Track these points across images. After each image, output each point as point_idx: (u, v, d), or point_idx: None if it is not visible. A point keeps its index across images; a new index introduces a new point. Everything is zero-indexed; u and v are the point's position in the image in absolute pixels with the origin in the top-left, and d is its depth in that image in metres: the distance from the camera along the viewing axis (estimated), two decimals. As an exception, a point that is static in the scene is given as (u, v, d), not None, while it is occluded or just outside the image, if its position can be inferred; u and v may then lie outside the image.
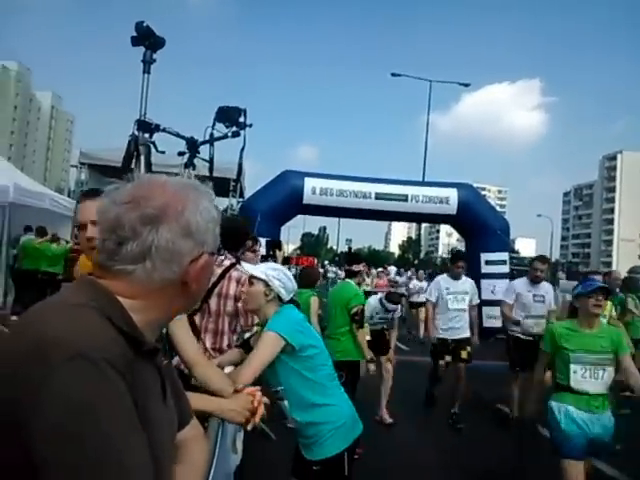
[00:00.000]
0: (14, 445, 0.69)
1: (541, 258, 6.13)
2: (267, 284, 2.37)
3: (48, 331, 0.73)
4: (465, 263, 6.15)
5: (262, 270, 2.42)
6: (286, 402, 2.33)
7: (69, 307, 0.79)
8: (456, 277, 5.98)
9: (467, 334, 5.92)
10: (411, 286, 13.07)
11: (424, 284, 11.51)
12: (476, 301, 6.16)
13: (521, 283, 5.92)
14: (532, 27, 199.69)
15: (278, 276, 2.41)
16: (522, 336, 5.58)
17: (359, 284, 5.19)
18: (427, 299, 6.11)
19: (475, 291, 6.20)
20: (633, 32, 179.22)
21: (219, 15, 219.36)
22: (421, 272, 14.88)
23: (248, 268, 2.62)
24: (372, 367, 4.76)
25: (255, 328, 2.87)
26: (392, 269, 17.72)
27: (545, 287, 5.84)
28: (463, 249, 14.74)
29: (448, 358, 5.88)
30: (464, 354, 5.81)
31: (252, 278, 2.43)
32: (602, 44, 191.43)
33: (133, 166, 2.89)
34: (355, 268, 5.01)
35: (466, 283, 6.08)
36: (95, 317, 0.78)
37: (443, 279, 6.06)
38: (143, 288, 0.85)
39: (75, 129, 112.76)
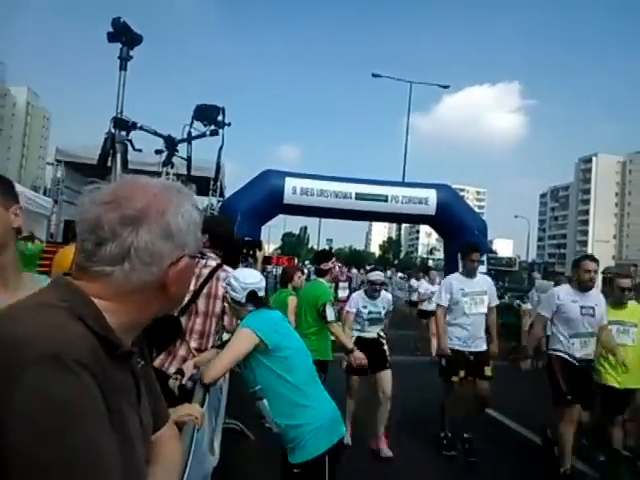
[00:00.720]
0: None
1: (591, 257, 4.51)
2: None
3: (19, 331, 0.71)
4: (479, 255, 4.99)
5: (223, 284, 2.60)
6: (265, 401, 2.32)
7: (42, 307, 0.78)
8: (471, 274, 4.93)
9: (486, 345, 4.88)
10: (421, 290, 11.14)
11: (436, 288, 8.67)
12: (495, 302, 5.05)
13: (564, 291, 4.50)
14: (514, 30, 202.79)
15: (228, 282, 2.52)
16: (568, 358, 4.31)
17: (335, 283, 5.13)
18: (437, 304, 4.98)
19: (494, 290, 5.14)
20: (612, 37, 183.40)
21: (199, 13, 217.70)
22: (433, 273, 12.06)
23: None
24: (359, 354, 4.22)
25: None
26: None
27: (595, 296, 4.41)
28: (442, 250, 14.83)
29: (462, 374, 4.73)
30: (488, 371, 4.76)
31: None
32: (582, 48, 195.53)
33: (109, 164, 2.85)
34: (324, 266, 4.78)
35: (483, 281, 5.05)
36: (68, 318, 0.77)
37: (455, 278, 4.99)
38: (120, 290, 0.84)
39: (51, 126, 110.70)
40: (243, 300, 2.45)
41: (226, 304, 2.51)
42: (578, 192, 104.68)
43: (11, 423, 0.67)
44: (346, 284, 13.60)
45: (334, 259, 5.09)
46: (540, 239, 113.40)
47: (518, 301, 11.56)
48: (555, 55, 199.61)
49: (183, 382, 2.25)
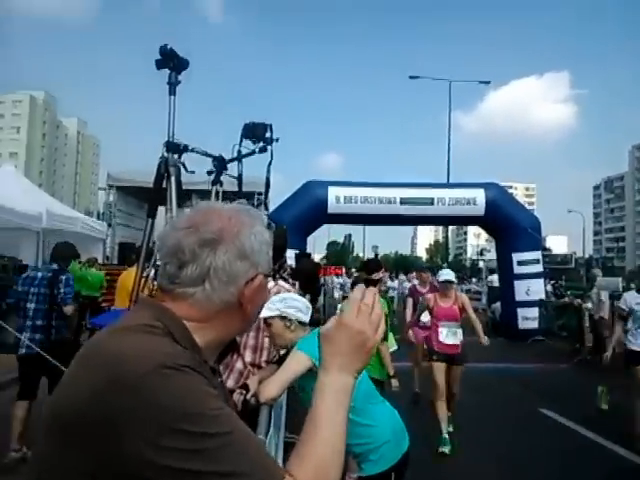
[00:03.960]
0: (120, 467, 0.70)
1: None
2: (283, 317, 2.39)
3: (125, 349, 0.75)
4: None
5: (270, 307, 2.41)
6: None
7: (135, 328, 0.82)
8: None
9: None
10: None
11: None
12: None
13: (631, 296, 5.28)
14: (562, 17, 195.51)
15: (288, 304, 2.41)
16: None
17: (385, 291, 4.95)
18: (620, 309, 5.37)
19: None
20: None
21: (238, 32, 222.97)
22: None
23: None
24: (395, 383, 4.16)
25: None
26: None
27: None
28: (492, 250, 14.43)
29: None
30: None
31: (267, 320, 2.43)
32: (632, 31, 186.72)
33: (164, 186, 2.93)
34: (375, 276, 4.54)
35: None
36: (161, 336, 0.81)
37: (630, 295, 5.33)
38: (203, 310, 0.88)
39: (102, 152, 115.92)
40: (307, 320, 2.42)
41: (275, 327, 2.39)
42: (634, 181, 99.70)
43: (145, 430, 0.69)
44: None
45: (384, 269, 5.02)
46: (596, 233, 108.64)
47: (578, 300, 11.04)
48: (604, 41, 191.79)
49: (247, 397, 2.26)
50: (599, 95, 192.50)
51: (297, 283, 3.48)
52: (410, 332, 5.65)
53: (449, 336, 5.02)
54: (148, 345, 0.77)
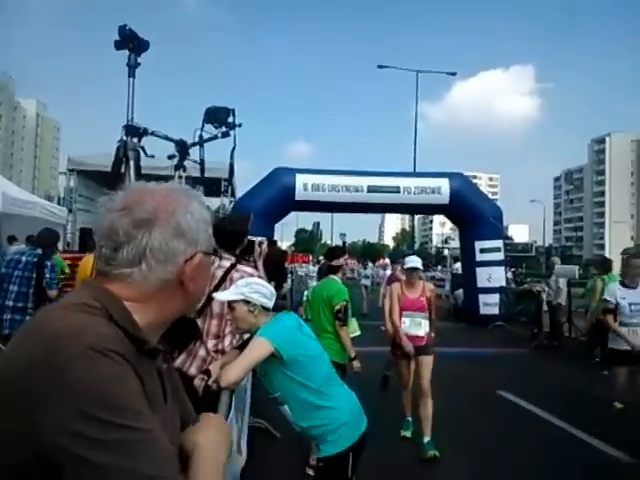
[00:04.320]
0: (28, 448, 0.71)
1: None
2: (247, 301, 2.38)
3: (60, 328, 0.76)
4: None
5: (235, 291, 2.41)
6: (286, 406, 2.36)
7: (74, 307, 0.82)
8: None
9: None
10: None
11: None
12: None
13: (617, 288, 5.02)
14: (529, 12, 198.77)
15: (253, 289, 2.40)
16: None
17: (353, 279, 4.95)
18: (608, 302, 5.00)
19: None
20: (627, 16, 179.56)
21: (202, 14, 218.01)
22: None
23: (218, 296, 2.56)
24: (357, 364, 4.20)
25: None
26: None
27: None
28: (457, 238, 14.69)
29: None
30: None
31: (230, 304, 2.43)
32: (597, 28, 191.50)
33: (123, 171, 2.86)
34: (335, 263, 4.60)
35: None
36: (98, 316, 0.81)
37: (615, 287, 5.06)
38: (142, 290, 0.88)
39: (62, 136, 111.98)
40: (271, 306, 2.42)
41: (238, 311, 2.38)
42: (592, 173, 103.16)
43: (61, 412, 0.70)
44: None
45: (346, 255, 4.96)
46: (556, 223, 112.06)
47: (537, 287, 11.41)
48: (571, 36, 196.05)
49: (209, 383, 2.26)
50: (563, 89, 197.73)
51: (259, 266, 3.46)
52: (389, 325, 4.97)
53: (412, 327, 4.73)
54: (82, 325, 0.77)
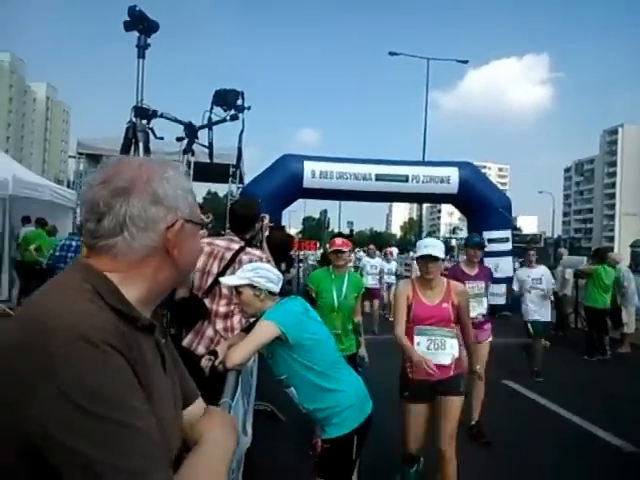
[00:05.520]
0: (12, 441, 0.72)
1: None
2: (253, 286, 2.39)
3: (49, 318, 0.76)
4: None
5: (241, 276, 2.42)
6: (292, 389, 2.38)
7: (65, 290, 0.83)
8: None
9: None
10: None
11: None
12: None
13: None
14: (544, 2, 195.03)
15: (259, 274, 2.41)
16: None
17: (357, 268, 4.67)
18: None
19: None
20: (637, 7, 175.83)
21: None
22: None
23: (225, 281, 2.58)
24: (362, 352, 4.19)
25: None
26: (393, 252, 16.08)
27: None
28: (465, 229, 14.59)
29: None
30: None
31: (237, 288, 2.44)
32: (610, 19, 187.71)
33: (132, 153, 2.87)
34: (330, 249, 4.23)
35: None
36: (90, 298, 0.82)
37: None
38: (128, 259, 0.90)
39: (72, 119, 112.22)
40: (277, 290, 2.43)
41: (244, 295, 2.40)
42: (604, 165, 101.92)
43: (48, 397, 0.70)
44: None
45: (350, 246, 4.38)
46: (565, 214, 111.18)
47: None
48: (584, 26, 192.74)
49: (216, 364, 2.29)
50: (576, 79, 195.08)
51: (264, 246, 3.50)
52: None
53: (432, 350, 3.15)
54: (77, 312, 0.78)
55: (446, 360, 3.14)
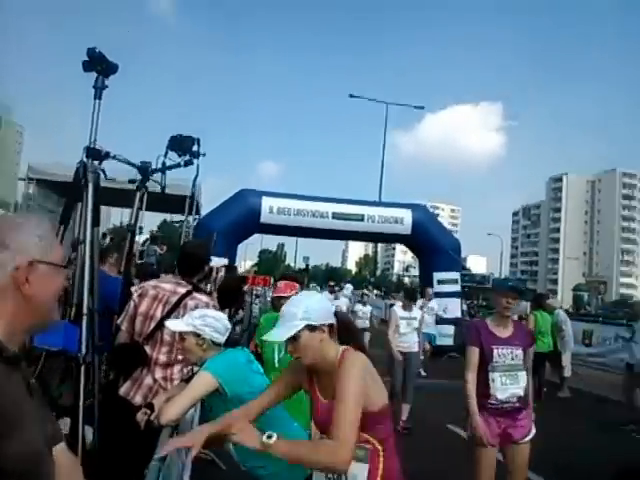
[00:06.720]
0: None
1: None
2: (197, 334, 2.33)
3: None
4: None
5: (187, 322, 2.36)
6: (230, 445, 2.29)
7: None
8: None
9: None
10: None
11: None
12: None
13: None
14: (501, 50, 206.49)
15: (205, 322, 2.35)
16: None
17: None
18: None
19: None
20: (586, 60, 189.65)
21: (174, 30, 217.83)
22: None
23: (170, 325, 2.49)
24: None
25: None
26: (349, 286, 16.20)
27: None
28: (417, 267, 14.90)
29: None
30: None
31: (180, 333, 2.38)
32: (560, 71, 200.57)
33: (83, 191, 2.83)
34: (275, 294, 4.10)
35: None
36: None
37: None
38: None
39: (25, 141, 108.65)
40: (222, 341, 2.38)
41: (187, 343, 2.34)
42: (549, 210, 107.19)
43: None
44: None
45: (297, 287, 4.01)
46: (513, 256, 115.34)
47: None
48: (535, 77, 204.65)
49: (151, 418, 2.20)
50: (527, 128, 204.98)
51: (213, 296, 3.45)
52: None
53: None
54: None
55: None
